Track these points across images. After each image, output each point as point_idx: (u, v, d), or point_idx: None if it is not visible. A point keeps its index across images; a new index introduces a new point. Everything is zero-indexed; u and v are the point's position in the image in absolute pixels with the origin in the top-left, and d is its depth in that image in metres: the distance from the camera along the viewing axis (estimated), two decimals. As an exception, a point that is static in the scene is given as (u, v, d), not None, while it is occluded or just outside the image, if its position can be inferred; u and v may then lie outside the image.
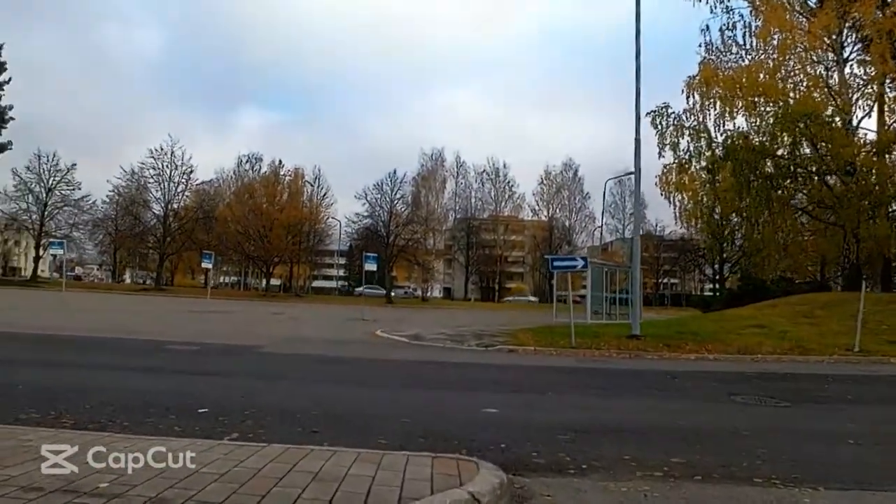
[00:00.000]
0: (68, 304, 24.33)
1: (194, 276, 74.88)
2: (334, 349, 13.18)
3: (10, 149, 55.13)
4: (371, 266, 25.38)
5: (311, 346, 13.55)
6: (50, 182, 54.92)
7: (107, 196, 59.63)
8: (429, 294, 68.37)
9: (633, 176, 18.20)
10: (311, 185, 66.05)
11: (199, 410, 5.78)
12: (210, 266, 31.67)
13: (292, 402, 6.62)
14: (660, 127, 24.43)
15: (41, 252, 55.83)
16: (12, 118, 55.18)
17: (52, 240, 40.64)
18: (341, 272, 77.69)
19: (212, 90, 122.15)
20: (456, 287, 72.90)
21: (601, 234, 60.38)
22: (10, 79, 55.20)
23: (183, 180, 58.98)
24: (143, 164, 58.29)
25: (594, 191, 72.47)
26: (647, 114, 23.64)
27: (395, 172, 59.13)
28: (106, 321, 18.58)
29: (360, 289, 60.85)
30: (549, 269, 18.09)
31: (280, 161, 64.34)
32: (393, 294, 57.72)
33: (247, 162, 67.65)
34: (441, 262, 70.57)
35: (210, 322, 20.50)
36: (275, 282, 65.04)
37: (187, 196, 61.19)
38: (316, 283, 76.44)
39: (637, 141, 16.11)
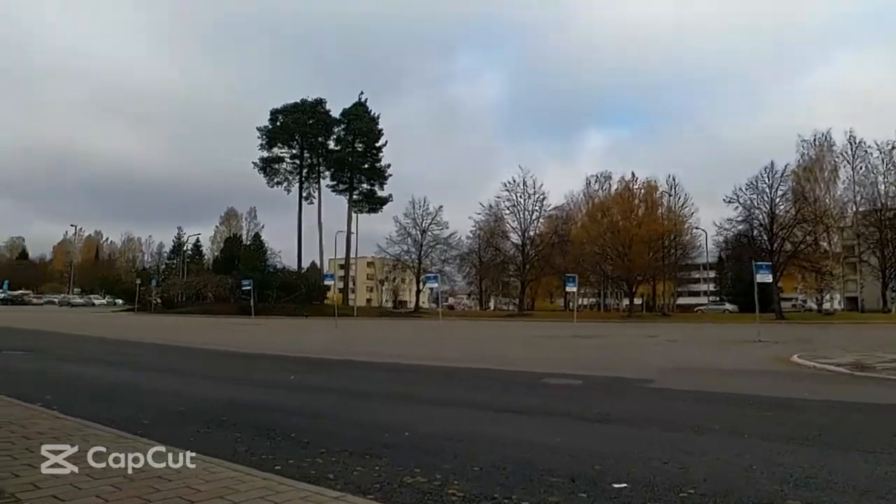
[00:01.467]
0: (445, 333, 26.25)
1: (553, 300, 77.63)
2: (746, 384, 10.22)
3: (391, 201, 66.89)
4: (765, 276, 20.82)
5: (712, 380, 10.93)
6: (423, 224, 63.78)
7: (470, 231, 66.19)
8: (829, 306, 56.52)
9: None
10: (670, 195, 62.32)
11: (615, 485, 4.21)
12: (574, 289, 31.26)
13: (737, 479, 4.45)
14: None
15: (421, 286, 64.40)
16: (390, 174, 67.05)
17: (427, 274, 46.34)
18: (711, 286, 70.67)
19: (553, 120, 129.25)
20: (866, 296, 58.22)
21: None
22: (386, 142, 67.48)
23: (536, 208, 62.16)
24: (498, 197, 63.46)
25: None
26: None
27: (772, 165, 47.71)
28: (480, 350, 18.74)
29: None
30: None
31: (633, 174, 62.59)
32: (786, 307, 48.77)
33: (595, 182, 68.31)
34: (842, 266, 57.89)
35: (582, 348, 19.46)
36: (636, 301, 62.55)
37: (541, 223, 64.12)
38: (680, 301, 71.30)
39: None
